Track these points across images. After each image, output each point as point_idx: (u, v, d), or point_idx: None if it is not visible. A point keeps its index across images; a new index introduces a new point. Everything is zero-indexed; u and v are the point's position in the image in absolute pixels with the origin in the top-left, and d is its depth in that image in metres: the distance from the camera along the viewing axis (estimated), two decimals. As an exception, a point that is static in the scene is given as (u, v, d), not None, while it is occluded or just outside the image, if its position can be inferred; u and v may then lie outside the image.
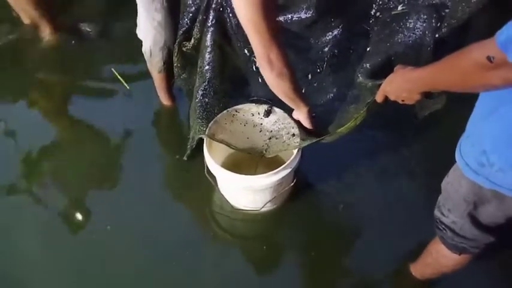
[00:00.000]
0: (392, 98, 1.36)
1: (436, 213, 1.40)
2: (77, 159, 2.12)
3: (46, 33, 2.61)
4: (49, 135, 2.22)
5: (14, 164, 2.08)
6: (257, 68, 1.81)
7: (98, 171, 2.09)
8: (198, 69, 1.85)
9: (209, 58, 1.81)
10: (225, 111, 1.84)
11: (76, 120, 2.29)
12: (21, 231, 1.87)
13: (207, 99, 1.86)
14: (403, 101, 1.31)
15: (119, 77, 2.41)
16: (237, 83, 1.92)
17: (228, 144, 1.80)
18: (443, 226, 1.37)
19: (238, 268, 1.82)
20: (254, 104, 1.86)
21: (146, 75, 2.20)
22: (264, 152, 1.84)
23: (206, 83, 1.84)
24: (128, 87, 2.37)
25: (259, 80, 1.82)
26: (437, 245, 1.47)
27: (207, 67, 1.82)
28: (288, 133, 1.80)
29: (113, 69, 2.44)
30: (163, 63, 2.02)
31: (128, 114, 2.28)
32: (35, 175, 2.07)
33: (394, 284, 1.78)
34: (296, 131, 1.77)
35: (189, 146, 2.02)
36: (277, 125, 1.85)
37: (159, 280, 1.76)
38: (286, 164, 1.70)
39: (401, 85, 1.29)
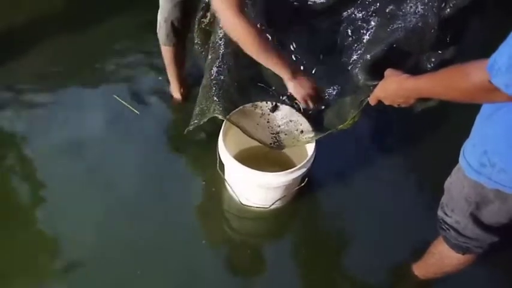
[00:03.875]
0: (387, 103, 1.37)
1: (440, 213, 1.43)
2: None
3: None
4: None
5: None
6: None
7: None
8: (211, 44, 1.81)
9: (221, 32, 1.75)
10: (241, 107, 1.83)
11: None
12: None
13: (222, 77, 1.79)
14: (398, 105, 1.33)
15: (125, 103, 2.30)
16: (250, 62, 1.81)
17: (245, 130, 1.79)
18: (446, 226, 1.40)
19: (243, 265, 1.87)
20: (260, 102, 1.86)
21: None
22: (273, 145, 1.84)
23: (220, 59, 1.77)
24: (137, 112, 2.27)
25: None
26: (440, 245, 1.50)
27: (219, 42, 1.77)
28: (297, 130, 1.82)
29: (115, 96, 2.33)
30: (166, 36, 2.07)
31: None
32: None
33: (396, 284, 1.82)
34: (305, 127, 1.79)
35: (195, 122, 1.89)
36: (285, 120, 1.86)
37: (163, 274, 1.78)
38: (303, 163, 1.73)
39: (396, 93, 1.30)
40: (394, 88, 1.30)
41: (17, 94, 2.33)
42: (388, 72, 1.36)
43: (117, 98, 2.32)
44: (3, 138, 2.15)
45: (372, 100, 1.43)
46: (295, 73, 1.61)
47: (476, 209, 1.27)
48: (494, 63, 0.90)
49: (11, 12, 2.65)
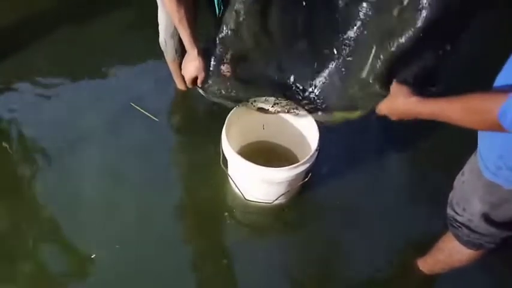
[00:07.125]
0: (393, 119, 1.37)
1: (449, 211, 1.42)
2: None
3: None
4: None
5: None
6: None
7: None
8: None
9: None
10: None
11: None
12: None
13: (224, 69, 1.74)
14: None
15: (142, 110, 2.25)
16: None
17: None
18: (458, 224, 1.39)
19: (247, 260, 1.85)
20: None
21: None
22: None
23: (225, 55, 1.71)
24: (157, 120, 2.22)
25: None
26: (450, 241, 1.49)
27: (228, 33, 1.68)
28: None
29: (132, 104, 2.27)
30: (175, 51, 2.06)
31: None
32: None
33: (401, 279, 1.81)
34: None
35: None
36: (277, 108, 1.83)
37: (163, 267, 1.78)
38: (306, 158, 1.72)
39: (405, 114, 1.30)
40: (403, 111, 1.30)
41: (23, 96, 2.32)
42: (395, 88, 1.33)
43: (133, 105, 2.27)
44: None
45: (378, 112, 1.43)
46: (197, 54, 1.69)
47: (490, 208, 1.26)
48: (506, 114, 0.90)
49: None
